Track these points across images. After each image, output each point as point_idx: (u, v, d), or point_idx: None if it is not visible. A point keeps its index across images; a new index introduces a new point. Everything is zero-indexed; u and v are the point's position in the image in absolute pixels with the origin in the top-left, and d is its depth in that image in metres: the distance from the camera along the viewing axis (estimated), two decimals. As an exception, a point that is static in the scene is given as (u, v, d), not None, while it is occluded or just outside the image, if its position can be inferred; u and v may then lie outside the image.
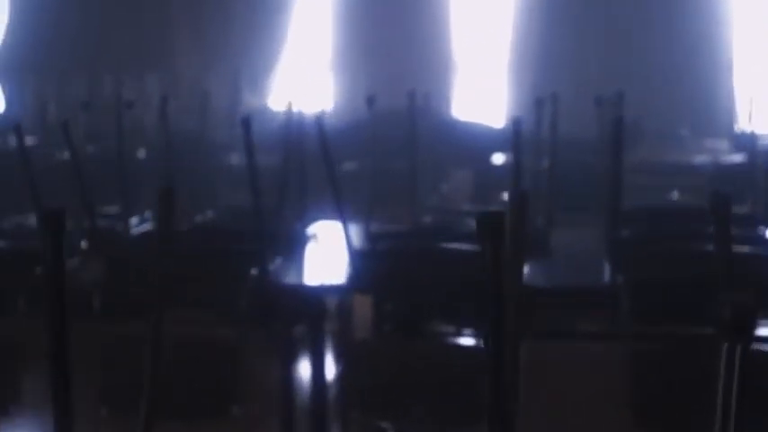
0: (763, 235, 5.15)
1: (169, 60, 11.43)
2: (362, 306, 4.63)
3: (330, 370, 5.07)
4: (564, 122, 8.95)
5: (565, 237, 5.34)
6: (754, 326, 1.81)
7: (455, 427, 3.93)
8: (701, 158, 8.87)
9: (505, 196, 8.83)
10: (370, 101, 5.49)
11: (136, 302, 4.55)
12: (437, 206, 6.29)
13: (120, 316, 4.52)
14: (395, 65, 11.46)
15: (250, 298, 4.35)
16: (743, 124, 10.58)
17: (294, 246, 5.04)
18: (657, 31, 11.40)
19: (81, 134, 7.25)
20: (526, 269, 4.47)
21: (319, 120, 4.26)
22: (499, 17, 11.84)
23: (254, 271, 4.44)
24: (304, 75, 11.73)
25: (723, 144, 10.20)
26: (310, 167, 5.64)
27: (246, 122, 4.30)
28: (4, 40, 11.66)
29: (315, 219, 5.56)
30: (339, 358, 5.19)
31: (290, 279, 4.68)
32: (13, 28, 11.63)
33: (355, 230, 4.89)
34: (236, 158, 9.06)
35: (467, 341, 4.72)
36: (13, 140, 6.94)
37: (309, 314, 4.63)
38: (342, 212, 4.42)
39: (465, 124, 10.21)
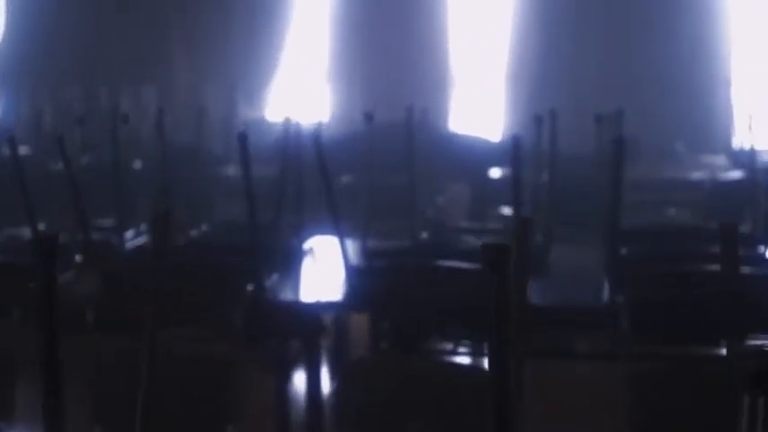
0: (764, 255, 5.11)
1: (165, 72, 11.40)
2: (359, 323, 4.59)
3: (326, 387, 5.03)
4: (560, 137, 8.91)
5: (563, 253, 5.31)
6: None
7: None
8: (698, 175, 8.84)
9: (503, 211, 8.81)
10: (369, 116, 5.45)
11: (130, 317, 4.52)
12: (434, 221, 6.24)
13: (114, 331, 4.48)
14: (391, 77, 11.43)
15: (246, 314, 4.31)
16: (741, 140, 10.56)
17: (290, 261, 4.99)
18: (655, 46, 11.38)
19: (76, 147, 7.23)
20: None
21: (317, 135, 4.22)
22: (496, 30, 11.82)
23: (250, 287, 4.40)
24: (300, 87, 11.70)
25: (720, 160, 10.17)
26: (305, 180, 5.60)
27: (243, 137, 4.26)
28: None
29: (311, 233, 5.51)
30: (335, 375, 5.15)
31: (286, 295, 4.65)
32: (8, 37, 11.59)
33: (352, 246, 4.85)
34: (232, 170, 9.02)
35: (464, 359, 4.68)
36: (6, 150, 6.92)
37: (305, 331, 4.59)
38: (339, 228, 4.38)
39: (461, 138, 10.18)
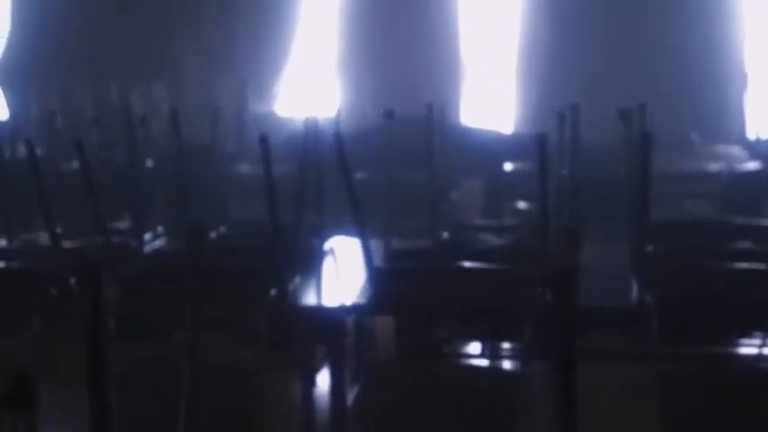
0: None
1: (174, 69, 11.33)
2: (384, 326, 4.53)
3: (350, 392, 4.96)
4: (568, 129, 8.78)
5: (585, 250, 5.23)
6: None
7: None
8: (715, 166, 8.76)
9: (518, 205, 8.74)
10: (389, 113, 5.37)
11: (153, 323, 4.46)
12: (451, 218, 6.16)
13: (136, 337, 4.42)
14: (402, 71, 11.35)
15: (270, 320, 4.24)
16: (757, 130, 10.49)
17: (311, 263, 4.92)
18: (668, 36, 11.30)
19: (91, 148, 7.15)
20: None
21: (337, 132, 4.14)
22: (507, 23, 11.74)
23: (273, 291, 4.33)
24: (310, 81, 11.63)
25: (734, 150, 10.09)
26: (323, 179, 5.52)
27: (264, 138, 4.19)
28: (7, 50, 11.55)
29: (330, 234, 5.44)
30: (360, 380, 5.08)
31: (308, 299, 4.58)
32: (16, 37, 11.52)
33: (374, 246, 4.76)
34: (245, 168, 8.96)
35: (489, 362, 4.62)
36: (18, 151, 6.86)
37: (329, 335, 4.53)
38: (362, 229, 4.31)
39: (475, 132, 10.10)
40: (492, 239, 5.51)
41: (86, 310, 1.99)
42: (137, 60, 11.01)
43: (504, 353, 4.36)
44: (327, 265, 5.11)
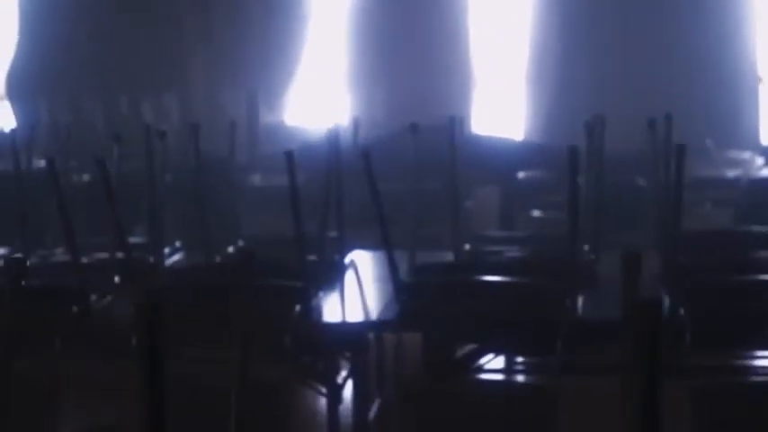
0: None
1: (184, 80, 11.27)
2: (409, 341, 4.45)
3: (377, 409, 4.90)
4: (582, 137, 8.69)
5: (610, 261, 5.15)
6: None
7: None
8: (732, 172, 8.69)
9: (533, 213, 8.67)
10: (414, 127, 5.30)
11: (177, 341, 4.39)
12: (472, 230, 6.08)
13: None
14: (412, 80, 11.29)
15: (295, 337, 4.17)
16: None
17: (333, 277, 4.86)
18: (679, 42, 11.24)
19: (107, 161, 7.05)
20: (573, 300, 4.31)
21: (363, 146, 4.07)
22: (517, 32, 11.69)
23: (297, 307, 4.26)
24: (321, 91, 11.57)
25: (747, 155, 10.02)
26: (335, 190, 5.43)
27: (290, 154, 4.12)
28: (14, 61, 11.49)
29: (351, 247, 5.38)
30: (382, 394, 5.02)
31: (331, 314, 4.51)
32: (23, 48, 11.47)
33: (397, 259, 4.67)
34: (258, 180, 8.88)
35: (516, 377, 4.56)
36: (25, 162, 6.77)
37: (354, 352, 4.47)
38: (388, 243, 4.23)
39: (488, 140, 10.04)
40: (514, 251, 5.44)
41: (142, 357, 1.93)
42: (146, 71, 10.95)
43: (533, 367, 4.29)
44: (349, 279, 5.04)
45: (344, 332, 4.42)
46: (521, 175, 8.94)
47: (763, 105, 11.36)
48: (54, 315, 4.33)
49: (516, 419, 4.08)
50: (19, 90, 11.18)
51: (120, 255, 4.84)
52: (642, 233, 7.22)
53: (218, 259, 5.37)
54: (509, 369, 4.53)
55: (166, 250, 5.48)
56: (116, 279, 4.92)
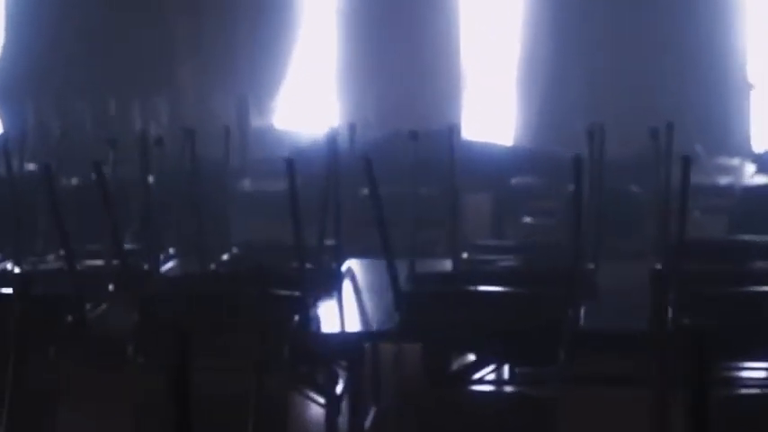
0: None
1: (172, 83, 11.20)
2: (408, 351, 4.41)
3: (371, 417, 4.85)
4: (577, 144, 8.63)
5: (612, 271, 5.12)
6: None
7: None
8: (724, 180, 8.67)
9: (526, 219, 8.63)
10: (413, 134, 5.25)
11: (173, 349, 4.33)
12: (471, 241, 6.02)
13: (156, 364, 4.29)
14: (402, 84, 11.25)
15: (293, 348, 4.12)
16: (764, 143, 10.40)
17: (331, 286, 4.80)
18: (669, 48, 11.22)
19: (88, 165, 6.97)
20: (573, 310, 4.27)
21: (368, 163, 4.01)
22: (508, 35, 11.65)
23: (296, 318, 4.21)
24: (309, 94, 11.51)
25: (738, 162, 10.01)
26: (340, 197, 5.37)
27: (290, 162, 4.07)
28: (0, 62, 11.41)
29: (346, 256, 5.32)
30: (383, 405, 4.97)
31: (329, 324, 4.45)
32: (9, 50, 11.38)
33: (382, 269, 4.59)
34: (248, 185, 8.82)
35: (517, 388, 4.51)
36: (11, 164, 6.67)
37: (352, 362, 4.42)
38: (389, 253, 4.18)
39: (479, 146, 9.99)
40: (511, 260, 5.40)
41: (173, 385, 1.89)
42: (135, 74, 10.87)
43: (535, 378, 4.24)
44: (346, 288, 4.99)
45: (344, 342, 4.37)
46: (513, 181, 8.91)
47: (754, 111, 11.35)
48: (49, 324, 4.26)
49: (515, 430, 4.04)
50: (5, 92, 11.09)
51: (115, 262, 4.77)
52: (638, 240, 7.19)
53: (213, 266, 5.31)
54: (510, 380, 4.48)
55: (160, 257, 5.42)
56: (110, 287, 4.87)
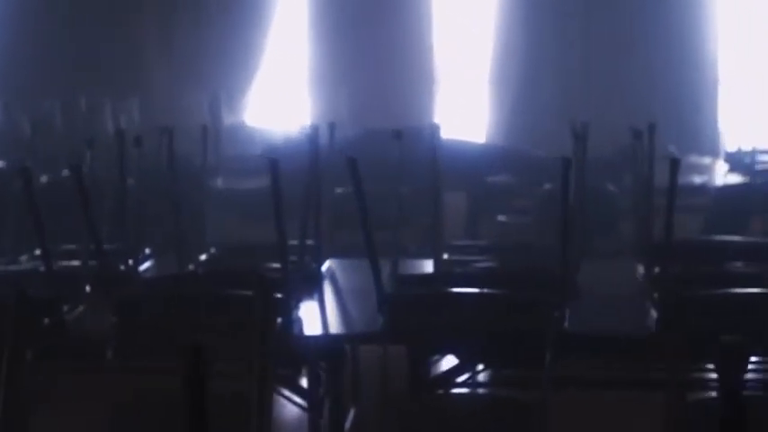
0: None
1: (144, 82, 11.12)
2: (393, 354, 4.37)
3: (351, 418, 4.81)
4: (546, 142, 8.65)
5: (592, 271, 5.09)
6: None
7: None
8: (698, 179, 8.68)
9: (501, 218, 8.62)
10: (397, 133, 5.20)
11: (153, 350, 4.27)
12: (449, 242, 5.97)
13: (135, 365, 4.24)
14: (375, 81, 11.22)
15: (276, 350, 4.06)
16: (736, 142, 10.41)
17: (311, 287, 4.74)
18: (641, 46, 11.24)
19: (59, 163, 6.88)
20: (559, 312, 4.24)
21: (352, 163, 3.96)
22: (481, 33, 11.64)
23: (279, 320, 4.15)
24: (282, 91, 11.46)
25: (709, 161, 10.02)
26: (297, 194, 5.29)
27: (274, 162, 4.01)
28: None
29: (326, 256, 5.27)
30: (363, 407, 4.93)
31: (311, 327, 4.40)
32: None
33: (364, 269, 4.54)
34: (221, 183, 8.76)
35: (501, 391, 4.48)
36: None
37: (333, 364, 4.37)
38: (373, 254, 4.14)
39: (454, 143, 9.96)
40: (492, 260, 5.36)
41: (188, 401, 1.85)
42: (105, 72, 10.79)
43: (521, 381, 4.21)
44: (326, 289, 4.93)
45: (326, 344, 4.32)
46: (488, 180, 8.90)
47: (724, 110, 11.38)
48: (25, 327, 4.18)
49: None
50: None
51: (92, 263, 4.70)
52: (615, 239, 7.18)
53: (191, 267, 5.25)
54: (494, 382, 4.45)
55: (138, 257, 5.35)
56: (87, 288, 4.79)
